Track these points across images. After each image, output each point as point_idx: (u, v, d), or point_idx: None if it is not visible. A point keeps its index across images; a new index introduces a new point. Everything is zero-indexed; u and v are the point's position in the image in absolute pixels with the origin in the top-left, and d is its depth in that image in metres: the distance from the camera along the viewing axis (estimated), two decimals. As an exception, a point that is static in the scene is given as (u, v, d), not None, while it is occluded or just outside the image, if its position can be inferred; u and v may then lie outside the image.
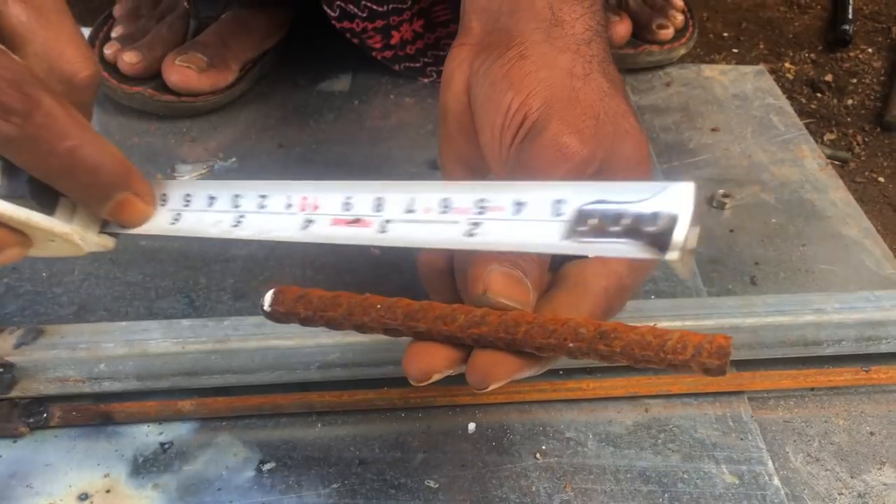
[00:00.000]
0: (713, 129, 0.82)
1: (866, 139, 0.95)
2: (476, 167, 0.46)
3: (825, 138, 0.95)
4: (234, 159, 0.75)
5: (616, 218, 0.31)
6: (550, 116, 0.40)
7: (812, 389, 0.55)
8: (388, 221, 0.35)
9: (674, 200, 0.30)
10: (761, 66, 0.94)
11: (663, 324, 0.51)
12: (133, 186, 0.38)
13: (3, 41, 0.36)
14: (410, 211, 0.35)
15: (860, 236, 0.69)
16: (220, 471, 0.49)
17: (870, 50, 1.09)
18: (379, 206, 0.35)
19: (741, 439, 0.51)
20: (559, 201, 0.32)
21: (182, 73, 0.77)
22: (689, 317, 0.53)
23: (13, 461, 0.49)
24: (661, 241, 0.30)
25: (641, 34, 0.90)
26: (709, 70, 0.92)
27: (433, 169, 0.73)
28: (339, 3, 0.78)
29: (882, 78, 1.04)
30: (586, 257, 0.38)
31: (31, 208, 0.37)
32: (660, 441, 0.51)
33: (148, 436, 0.50)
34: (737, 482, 0.49)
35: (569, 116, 0.40)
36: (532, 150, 0.39)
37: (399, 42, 0.83)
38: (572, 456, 0.50)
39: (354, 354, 0.51)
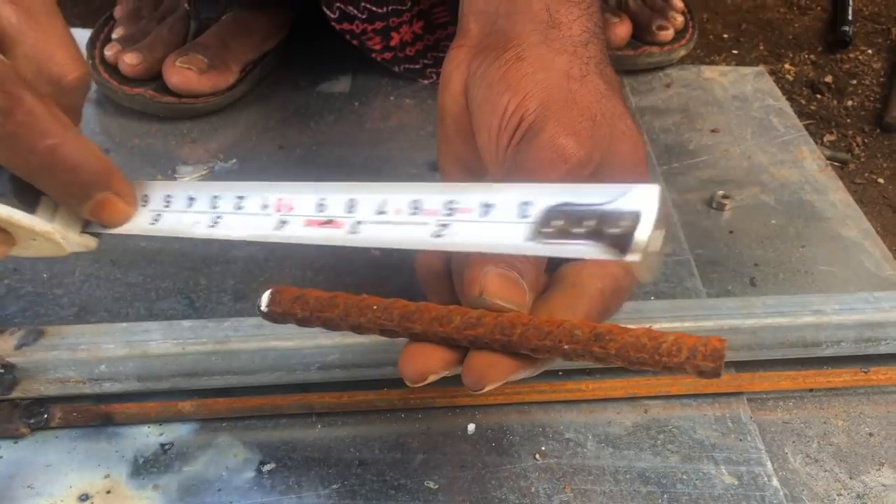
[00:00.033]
0: (713, 131, 0.82)
1: (866, 140, 0.95)
2: (474, 169, 0.46)
3: (825, 139, 0.95)
4: (234, 161, 0.75)
5: (580, 219, 0.31)
6: (547, 118, 0.40)
7: (811, 390, 0.55)
8: (359, 223, 0.35)
9: (638, 202, 0.30)
10: (761, 68, 0.94)
11: (662, 325, 0.52)
12: (114, 186, 0.38)
13: None
14: (382, 212, 0.35)
15: (860, 238, 0.69)
16: (220, 472, 0.49)
17: (869, 51, 1.09)
18: (351, 207, 0.35)
19: (740, 440, 0.51)
20: (526, 203, 0.32)
21: (183, 74, 0.77)
22: (688, 318, 0.53)
23: (14, 462, 0.49)
24: (622, 242, 0.30)
25: (641, 35, 0.90)
26: (709, 71, 0.92)
27: (433, 170, 0.73)
28: (338, 4, 0.78)
29: (882, 79, 1.04)
30: (584, 259, 0.38)
31: (13, 206, 0.37)
32: (659, 442, 0.51)
33: (148, 437, 0.50)
34: (736, 483, 0.49)
35: (565, 118, 0.40)
36: (529, 152, 0.39)
37: (399, 44, 0.83)
38: (572, 457, 0.50)
39: (354, 355, 0.51)
